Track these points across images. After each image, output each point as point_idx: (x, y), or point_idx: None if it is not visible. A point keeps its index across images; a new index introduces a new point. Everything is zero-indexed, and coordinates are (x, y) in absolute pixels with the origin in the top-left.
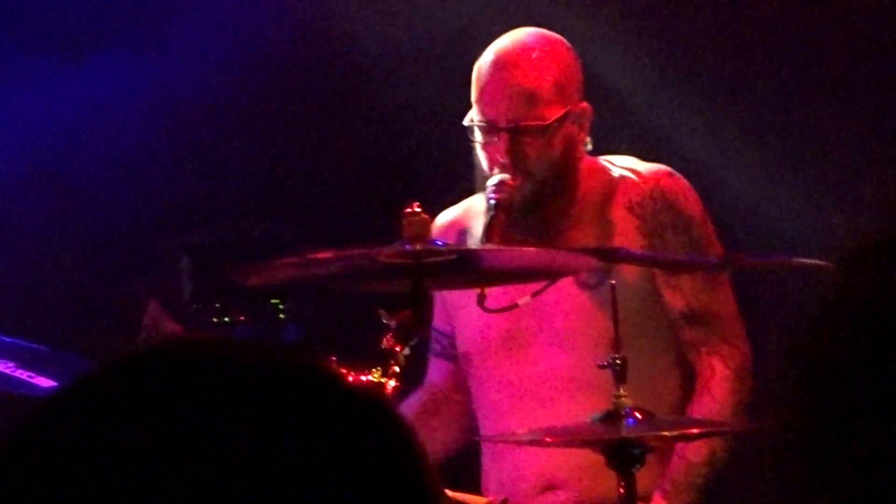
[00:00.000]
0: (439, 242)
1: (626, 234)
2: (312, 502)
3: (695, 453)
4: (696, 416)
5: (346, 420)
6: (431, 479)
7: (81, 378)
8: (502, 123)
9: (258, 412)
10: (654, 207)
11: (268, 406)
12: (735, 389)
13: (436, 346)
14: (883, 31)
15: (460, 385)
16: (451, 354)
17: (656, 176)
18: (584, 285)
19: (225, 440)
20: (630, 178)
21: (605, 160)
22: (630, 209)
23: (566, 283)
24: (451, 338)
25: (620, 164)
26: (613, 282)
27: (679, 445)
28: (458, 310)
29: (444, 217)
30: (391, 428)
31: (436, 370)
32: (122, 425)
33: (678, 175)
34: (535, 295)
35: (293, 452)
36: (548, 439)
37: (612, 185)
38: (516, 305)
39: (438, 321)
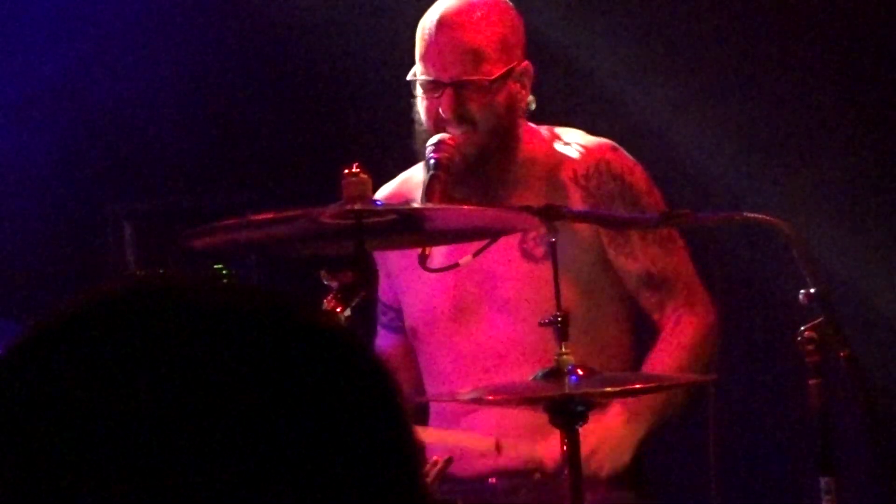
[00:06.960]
0: (379, 202)
1: (572, 204)
2: (286, 437)
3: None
4: (661, 358)
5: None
6: (406, 416)
7: (42, 325)
8: (446, 79)
9: (233, 349)
10: (599, 180)
11: (239, 342)
12: (703, 339)
13: (382, 318)
14: None
15: (405, 357)
16: (398, 327)
17: (601, 149)
18: (529, 257)
19: (200, 379)
20: (575, 150)
21: (549, 129)
22: (575, 181)
23: (512, 254)
24: (397, 311)
25: (565, 136)
26: (554, 239)
27: (645, 368)
28: (403, 284)
29: (383, 191)
30: (371, 369)
31: (384, 341)
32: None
33: (622, 149)
34: (476, 254)
35: (266, 388)
36: (490, 397)
37: (557, 156)
38: (457, 265)
39: (384, 294)
